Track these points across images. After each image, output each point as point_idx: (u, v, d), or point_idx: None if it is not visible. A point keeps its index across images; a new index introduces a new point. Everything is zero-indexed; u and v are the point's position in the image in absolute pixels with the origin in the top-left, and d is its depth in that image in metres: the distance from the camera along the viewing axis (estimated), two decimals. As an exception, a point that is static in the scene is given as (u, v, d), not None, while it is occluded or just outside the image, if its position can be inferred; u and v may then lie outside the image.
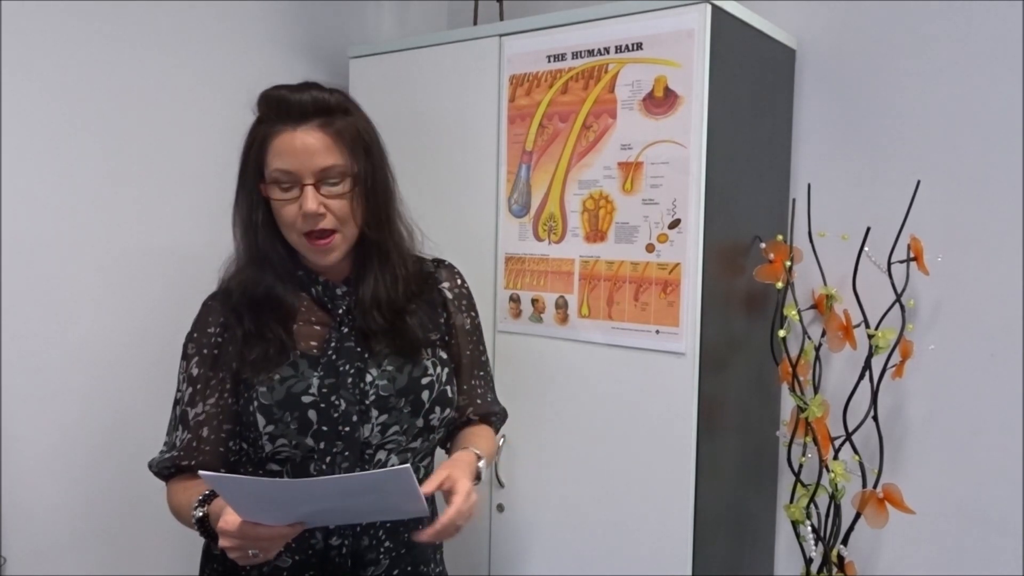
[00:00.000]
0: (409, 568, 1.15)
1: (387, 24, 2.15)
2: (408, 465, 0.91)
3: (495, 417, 1.28)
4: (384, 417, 1.10)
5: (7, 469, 1.46)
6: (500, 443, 1.63)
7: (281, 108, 1.06)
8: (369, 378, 1.10)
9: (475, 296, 1.29)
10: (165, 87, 1.66)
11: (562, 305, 1.56)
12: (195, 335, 1.14)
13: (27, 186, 1.46)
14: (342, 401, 1.07)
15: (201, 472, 0.85)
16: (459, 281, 1.26)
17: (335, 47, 1.98)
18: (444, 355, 1.19)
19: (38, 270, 1.49)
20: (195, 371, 1.12)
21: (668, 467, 1.44)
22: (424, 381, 1.13)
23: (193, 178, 1.71)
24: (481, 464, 1.11)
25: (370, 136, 1.12)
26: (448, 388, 1.16)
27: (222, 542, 0.92)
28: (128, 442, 1.61)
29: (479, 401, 1.25)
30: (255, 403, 1.07)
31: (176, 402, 1.14)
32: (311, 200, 1.04)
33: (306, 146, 1.04)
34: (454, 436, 1.24)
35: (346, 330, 1.12)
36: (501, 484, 1.66)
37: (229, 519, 0.91)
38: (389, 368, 1.11)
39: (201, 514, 1.01)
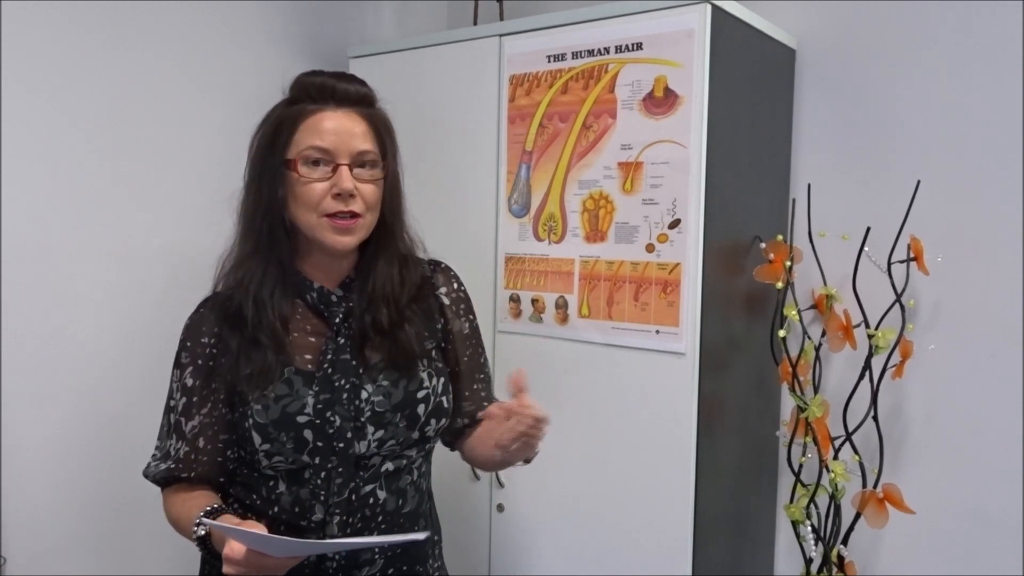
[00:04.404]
0: (404, 567, 1.14)
1: (387, 24, 2.15)
2: (429, 532, 0.92)
3: None
4: (380, 433, 1.09)
5: (7, 469, 1.46)
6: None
7: (324, 92, 1.07)
8: (364, 394, 1.08)
9: (475, 296, 1.28)
10: (165, 87, 1.66)
11: (562, 305, 1.56)
12: (188, 344, 1.13)
13: (27, 186, 1.46)
14: (337, 417, 1.06)
15: (213, 525, 0.85)
16: (455, 285, 1.25)
17: (335, 47, 1.98)
18: (440, 364, 1.18)
19: (38, 270, 1.49)
20: (189, 381, 1.11)
21: (668, 467, 1.44)
22: (420, 395, 1.12)
23: (193, 178, 1.70)
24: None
25: (394, 133, 1.14)
26: (444, 399, 1.15)
27: (226, 568, 0.91)
28: (128, 442, 1.61)
29: (485, 404, 1.24)
30: (250, 420, 1.06)
31: (170, 409, 1.13)
32: (347, 179, 1.05)
33: (347, 127, 1.06)
34: (470, 434, 1.21)
35: (342, 341, 1.11)
36: (501, 484, 1.66)
37: (235, 547, 0.90)
38: (384, 383, 1.10)
39: (203, 532, 1.00)
